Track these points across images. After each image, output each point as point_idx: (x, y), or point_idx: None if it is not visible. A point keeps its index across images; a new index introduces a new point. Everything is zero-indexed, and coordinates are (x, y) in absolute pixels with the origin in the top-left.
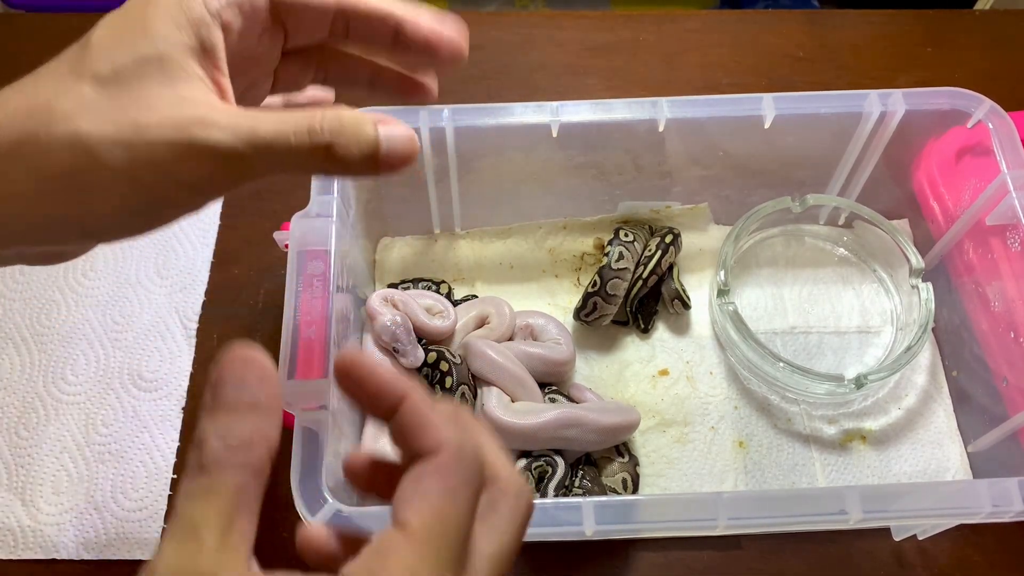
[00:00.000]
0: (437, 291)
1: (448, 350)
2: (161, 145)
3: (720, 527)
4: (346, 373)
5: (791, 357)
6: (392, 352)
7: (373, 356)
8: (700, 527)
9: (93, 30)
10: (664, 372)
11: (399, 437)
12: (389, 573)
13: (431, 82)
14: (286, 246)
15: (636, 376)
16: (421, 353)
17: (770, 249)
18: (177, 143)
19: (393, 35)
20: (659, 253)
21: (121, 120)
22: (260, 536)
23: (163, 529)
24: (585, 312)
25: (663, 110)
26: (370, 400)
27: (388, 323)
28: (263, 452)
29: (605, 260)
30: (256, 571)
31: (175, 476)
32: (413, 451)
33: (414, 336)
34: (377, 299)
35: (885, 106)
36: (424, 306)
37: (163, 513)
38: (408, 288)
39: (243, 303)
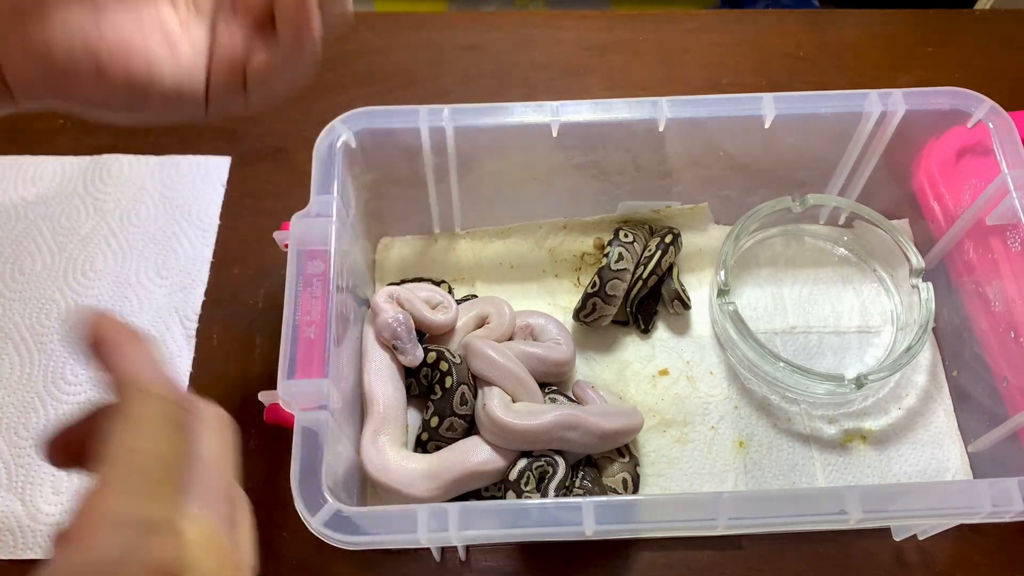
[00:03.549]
0: None
1: (448, 350)
2: None
3: (720, 527)
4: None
5: (791, 357)
6: (392, 349)
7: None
8: (700, 527)
9: None
10: (664, 372)
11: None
12: (90, 527)
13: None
14: (286, 246)
15: (636, 376)
16: (420, 352)
17: (770, 249)
18: None
19: None
20: (659, 253)
21: None
22: (261, 536)
23: None
24: (584, 313)
25: (663, 110)
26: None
27: (390, 320)
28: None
29: (604, 261)
30: None
31: None
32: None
33: (415, 335)
34: (383, 295)
35: (885, 106)
36: (423, 298)
37: None
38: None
39: (243, 303)
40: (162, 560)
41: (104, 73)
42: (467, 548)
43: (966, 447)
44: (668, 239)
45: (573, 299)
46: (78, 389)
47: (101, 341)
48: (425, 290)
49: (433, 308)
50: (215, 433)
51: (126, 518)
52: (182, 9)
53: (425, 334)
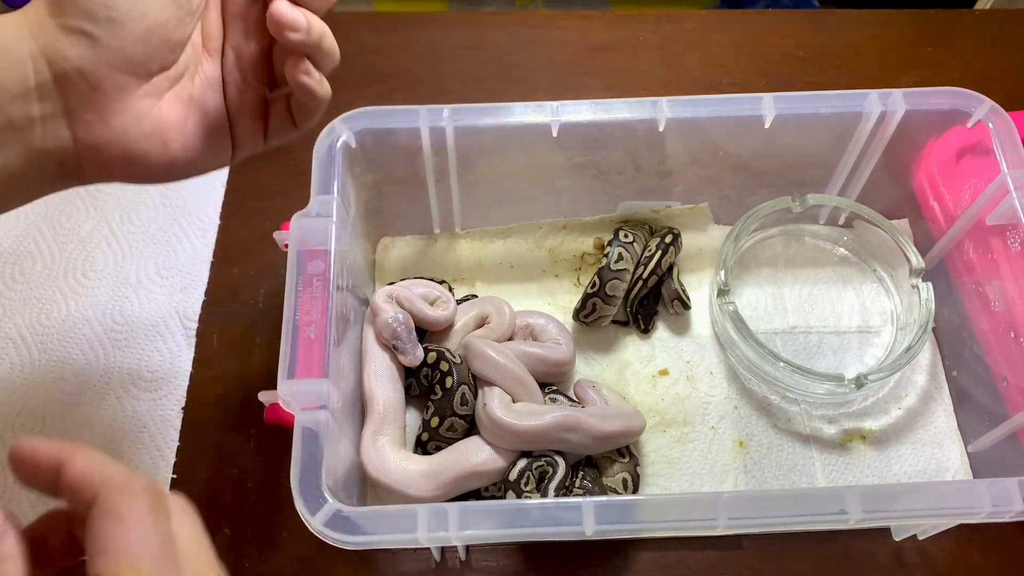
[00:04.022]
0: None
1: (448, 350)
2: None
3: (720, 527)
4: (17, 460)
5: (791, 357)
6: (392, 349)
7: (32, 441)
8: (700, 527)
9: None
10: (664, 372)
11: (69, 496)
12: None
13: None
14: (286, 246)
15: (636, 376)
16: (420, 352)
17: (770, 249)
18: None
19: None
20: (659, 253)
21: None
22: (261, 536)
23: None
24: (584, 313)
25: (663, 110)
26: (38, 476)
27: (390, 320)
28: None
29: (604, 261)
30: None
31: (175, 476)
32: (86, 503)
33: (415, 335)
34: (382, 295)
35: (885, 106)
36: (421, 295)
37: None
38: None
39: (243, 303)
40: None
41: (169, 149)
42: (467, 548)
43: (966, 447)
44: (668, 239)
45: (573, 299)
46: (78, 389)
47: (51, 462)
48: (422, 286)
49: (431, 304)
50: (186, 517)
51: None
52: (199, 81)
53: (426, 333)
